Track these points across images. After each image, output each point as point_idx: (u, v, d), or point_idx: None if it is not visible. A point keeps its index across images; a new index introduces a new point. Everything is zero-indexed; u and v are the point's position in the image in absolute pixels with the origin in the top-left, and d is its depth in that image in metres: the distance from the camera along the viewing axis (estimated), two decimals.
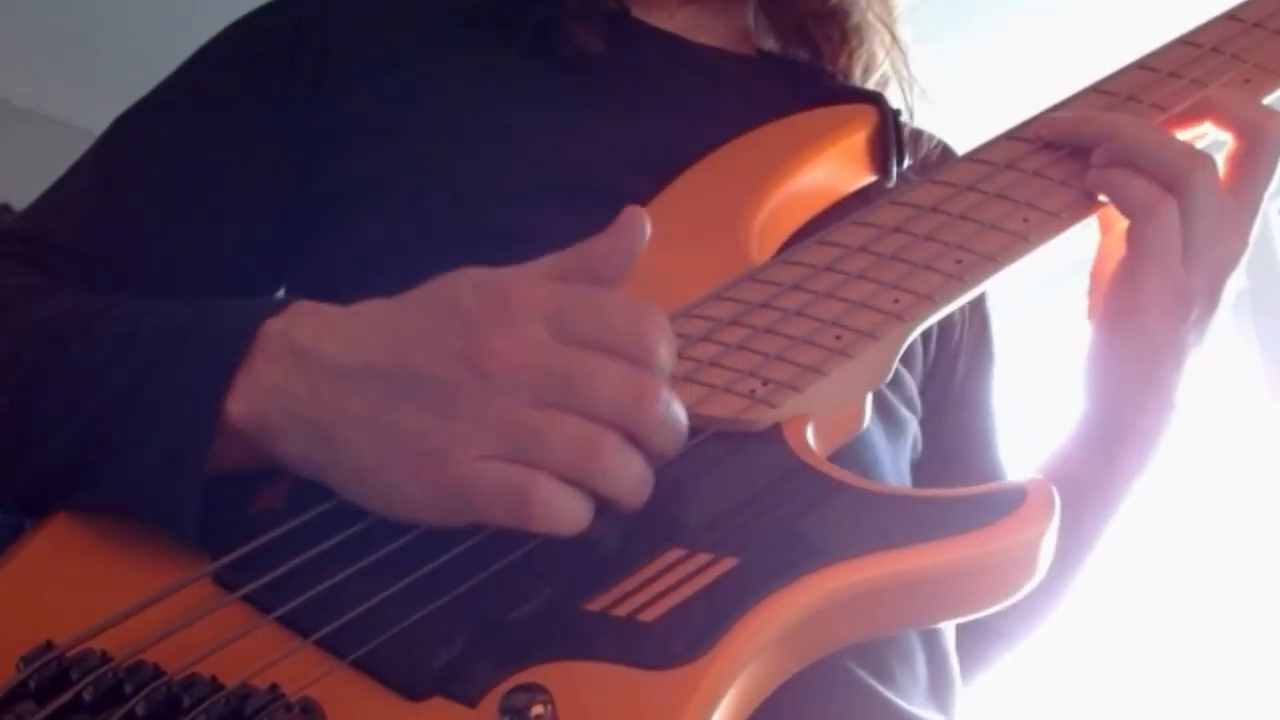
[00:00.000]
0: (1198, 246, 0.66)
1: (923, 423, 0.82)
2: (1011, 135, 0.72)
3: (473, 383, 0.51)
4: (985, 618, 0.81)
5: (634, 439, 0.52)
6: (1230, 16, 0.75)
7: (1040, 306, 2.73)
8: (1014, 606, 0.81)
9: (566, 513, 0.51)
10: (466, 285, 0.54)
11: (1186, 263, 0.67)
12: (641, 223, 0.55)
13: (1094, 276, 0.72)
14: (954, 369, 0.87)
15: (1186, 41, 0.74)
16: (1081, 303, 0.73)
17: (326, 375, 0.54)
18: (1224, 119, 0.70)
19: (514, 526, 0.51)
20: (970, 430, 0.87)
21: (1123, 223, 0.69)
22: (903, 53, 0.87)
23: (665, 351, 0.53)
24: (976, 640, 0.82)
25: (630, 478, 0.52)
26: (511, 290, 0.53)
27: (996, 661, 0.86)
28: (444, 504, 0.52)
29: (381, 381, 0.53)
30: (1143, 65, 0.74)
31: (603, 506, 0.52)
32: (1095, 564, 0.79)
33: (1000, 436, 0.89)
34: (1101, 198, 0.69)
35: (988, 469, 0.87)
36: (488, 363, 0.51)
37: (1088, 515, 0.76)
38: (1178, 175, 0.66)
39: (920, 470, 0.80)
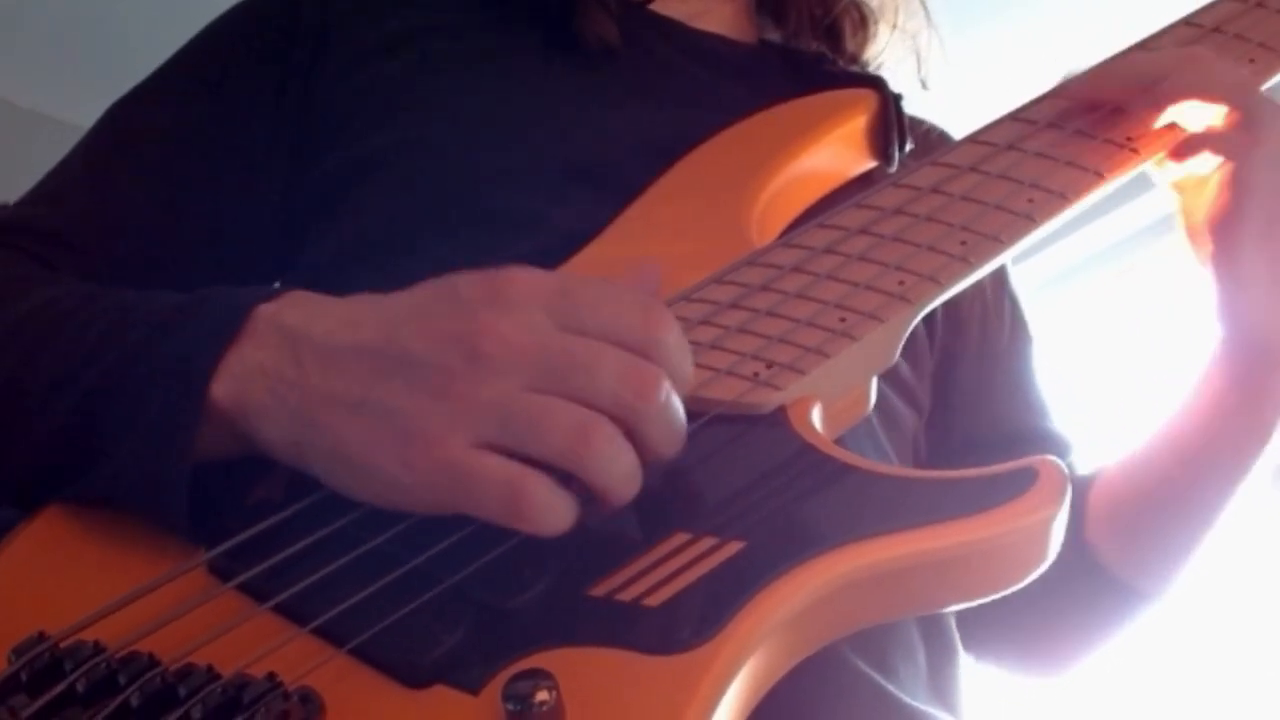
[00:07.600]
0: None
1: (959, 411, 0.81)
2: (1015, 116, 0.71)
3: (467, 364, 0.50)
4: (1123, 576, 0.79)
5: (631, 432, 0.50)
6: None
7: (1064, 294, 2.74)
8: (1153, 561, 0.78)
9: (558, 514, 0.49)
10: (467, 276, 0.53)
11: None
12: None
13: (1190, 231, 0.71)
14: (989, 354, 0.85)
15: (1188, 23, 0.74)
16: (1188, 256, 0.71)
17: (315, 356, 0.53)
18: (1207, 94, 0.68)
19: (500, 523, 0.50)
20: (1023, 413, 0.86)
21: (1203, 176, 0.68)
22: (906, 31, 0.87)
23: (673, 342, 0.52)
24: (1115, 602, 0.79)
25: (621, 470, 0.50)
26: (513, 277, 0.52)
27: (1133, 623, 0.81)
28: (431, 491, 0.50)
29: (370, 360, 0.51)
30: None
31: (587, 502, 0.51)
32: (1237, 508, 0.75)
33: (1052, 409, 0.87)
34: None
35: (1050, 444, 0.84)
36: (484, 345, 0.50)
37: (1238, 445, 0.73)
38: (1252, 98, 0.66)
39: (973, 459, 0.79)
